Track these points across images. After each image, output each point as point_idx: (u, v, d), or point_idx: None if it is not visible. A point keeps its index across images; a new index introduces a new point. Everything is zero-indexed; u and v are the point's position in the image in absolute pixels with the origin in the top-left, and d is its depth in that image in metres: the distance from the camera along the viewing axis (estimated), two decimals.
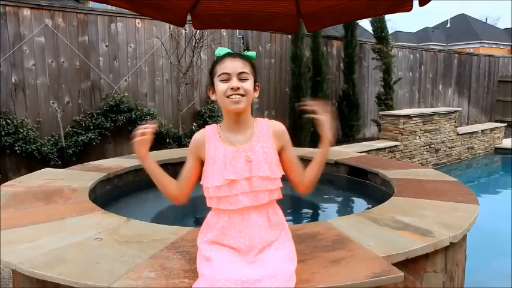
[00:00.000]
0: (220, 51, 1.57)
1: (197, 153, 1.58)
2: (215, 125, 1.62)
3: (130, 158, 3.85)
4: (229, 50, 1.58)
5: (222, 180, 1.48)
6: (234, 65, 1.50)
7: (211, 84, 1.57)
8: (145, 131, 1.53)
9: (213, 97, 1.57)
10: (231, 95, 1.48)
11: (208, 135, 1.57)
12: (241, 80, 1.50)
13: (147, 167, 1.58)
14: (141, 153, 1.55)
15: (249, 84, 1.51)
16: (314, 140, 7.52)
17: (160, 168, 1.61)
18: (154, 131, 1.55)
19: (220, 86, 1.50)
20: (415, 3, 2.70)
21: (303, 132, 7.22)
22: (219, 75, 1.51)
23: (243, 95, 1.49)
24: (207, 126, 1.61)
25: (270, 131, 1.57)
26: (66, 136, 5.43)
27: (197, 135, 1.60)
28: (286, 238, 1.56)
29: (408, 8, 2.80)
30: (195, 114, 6.74)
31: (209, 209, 1.59)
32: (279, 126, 1.62)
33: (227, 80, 1.49)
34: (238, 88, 1.48)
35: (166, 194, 1.61)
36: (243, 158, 1.50)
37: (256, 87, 1.58)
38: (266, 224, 1.51)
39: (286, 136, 1.62)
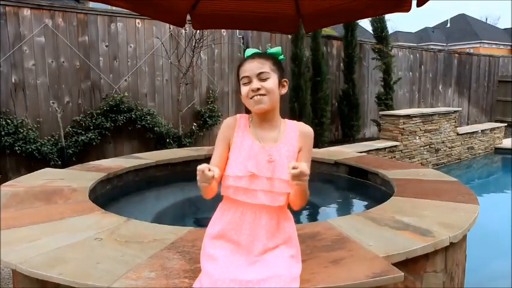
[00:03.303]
0: (247, 52, 1.58)
1: (228, 139, 1.56)
2: (247, 115, 1.61)
3: (130, 158, 3.85)
4: (256, 50, 1.58)
5: (244, 170, 1.48)
6: (251, 67, 1.50)
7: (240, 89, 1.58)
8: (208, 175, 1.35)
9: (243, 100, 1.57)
10: (253, 96, 1.48)
11: (239, 124, 1.57)
12: (262, 80, 1.49)
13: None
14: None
15: (270, 83, 1.50)
16: (314, 140, 7.52)
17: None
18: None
19: (243, 89, 1.52)
20: (414, 3, 2.70)
21: None
22: (241, 78, 1.53)
23: (264, 95, 1.48)
24: (238, 115, 1.61)
25: (297, 134, 1.57)
26: (66, 136, 5.43)
27: (229, 120, 1.60)
28: (292, 242, 1.55)
29: (407, 8, 2.79)
30: (195, 114, 6.74)
31: (215, 206, 1.58)
32: (307, 129, 1.60)
33: (248, 83, 1.50)
34: (258, 89, 1.48)
35: (210, 194, 1.52)
36: (266, 157, 1.50)
37: (284, 83, 1.57)
38: (274, 227, 1.51)
39: (309, 141, 1.58)
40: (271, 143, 1.54)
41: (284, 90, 1.57)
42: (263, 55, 1.55)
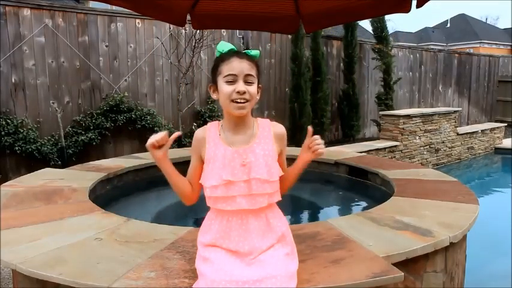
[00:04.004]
0: (223, 46, 1.50)
1: (198, 152, 1.55)
2: (217, 122, 1.58)
3: (130, 158, 3.85)
4: (231, 46, 1.50)
5: (219, 180, 1.45)
6: (241, 66, 1.44)
7: (213, 83, 1.51)
8: (160, 139, 1.47)
9: (214, 96, 1.52)
10: (236, 99, 1.43)
11: (209, 134, 1.53)
12: (247, 83, 1.44)
13: (163, 169, 1.55)
14: (158, 155, 1.50)
15: (254, 89, 1.46)
16: None
17: (176, 170, 1.57)
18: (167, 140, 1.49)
19: (226, 88, 1.44)
20: (413, 3, 2.71)
21: (302, 132, 7.20)
22: (225, 75, 1.44)
23: (247, 100, 1.44)
24: (208, 124, 1.58)
25: (271, 133, 1.54)
26: (66, 136, 5.43)
27: (198, 134, 1.57)
28: (286, 239, 1.54)
29: (407, 9, 2.80)
30: (195, 114, 6.74)
31: (208, 209, 1.58)
32: (281, 130, 1.58)
33: (233, 82, 1.43)
34: (244, 92, 1.42)
35: (181, 194, 1.59)
36: (241, 160, 1.47)
37: (259, 89, 1.52)
38: (264, 227, 1.49)
39: (285, 140, 1.60)
40: (244, 145, 1.50)
41: (258, 96, 1.52)
42: (251, 58, 1.49)
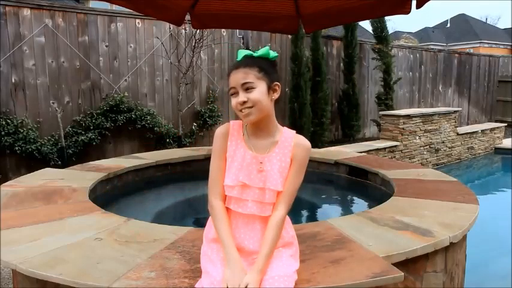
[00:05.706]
0: (239, 54, 1.51)
1: (224, 147, 1.52)
2: (240, 122, 1.56)
3: (130, 158, 3.85)
4: (246, 52, 1.50)
5: (235, 180, 1.47)
6: (236, 78, 1.44)
7: None
8: None
9: None
10: (240, 109, 1.44)
11: (232, 132, 1.53)
12: (247, 90, 1.43)
13: None
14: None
15: (256, 93, 1.42)
16: (314, 140, 7.53)
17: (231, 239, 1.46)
18: None
19: (232, 101, 1.47)
20: (413, 4, 2.71)
21: (302, 132, 7.22)
22: (229, 89, 1.47)
23: (251, 107, 1.43)
24: (231, 122, 1.56)
25: (291, 145, 1.51)
26: (66, 136, 5.43)
27: (222, 130, 1.54)
28: (290, 241, 1.55)
29: (407, 10, 2.80)
30: (195, 114, 6.74)
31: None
32: (303, 141, 1.53)
33: (235, 94, 1.45)
34: (244, 102, 1.42)
35: None
36: (258, 166, 1.48)
37: (276, 87, 1.48)
38: None
39: (301, 153, 1.51)
40: (264, 152, 1.50)
41: (276, 95, 1.49)
42: (250, 62, 1.46)
